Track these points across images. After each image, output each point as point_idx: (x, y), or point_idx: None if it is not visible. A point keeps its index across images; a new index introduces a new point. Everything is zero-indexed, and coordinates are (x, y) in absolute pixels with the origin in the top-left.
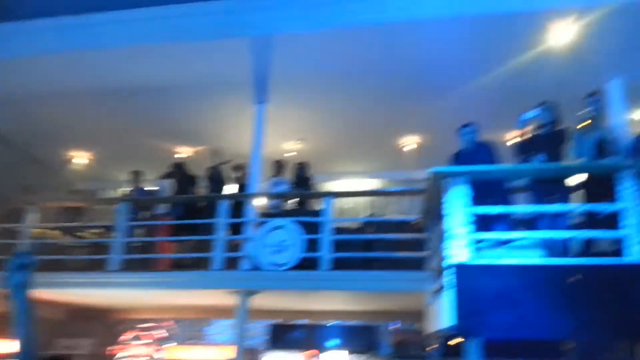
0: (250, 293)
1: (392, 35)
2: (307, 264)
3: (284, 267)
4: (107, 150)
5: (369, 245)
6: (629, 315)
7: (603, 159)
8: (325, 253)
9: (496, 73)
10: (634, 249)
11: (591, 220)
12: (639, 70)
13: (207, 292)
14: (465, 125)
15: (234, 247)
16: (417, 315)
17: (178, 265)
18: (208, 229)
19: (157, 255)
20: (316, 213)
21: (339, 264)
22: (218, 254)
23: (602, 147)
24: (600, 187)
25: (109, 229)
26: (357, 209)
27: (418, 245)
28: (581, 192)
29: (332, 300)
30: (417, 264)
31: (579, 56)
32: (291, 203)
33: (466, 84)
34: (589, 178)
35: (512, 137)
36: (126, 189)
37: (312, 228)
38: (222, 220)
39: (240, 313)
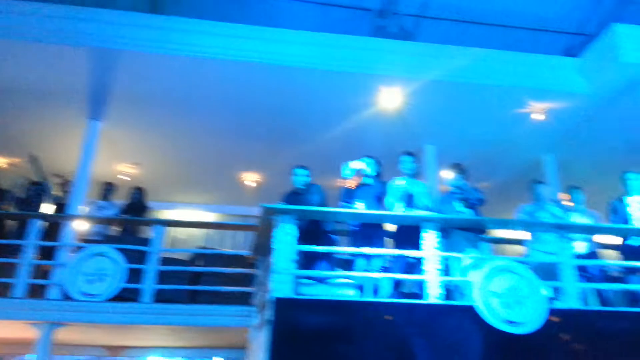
0: (55, 325)
1: (243, 73)
2: (128, 295)
3: (100, 298)
4: None
5: (197, 277)
6: (427, 353)
7: (412, 211)
8: (149, 284)
9: (336, 125)
10: (433, 291)
11: (404, 264)
12: (446, 139)
13: (4, 323)
14: (298, 167)
15: (42, 273)
16: (243, 350)
17: None
18: (14, 251)
19: None
20: (144, 241)
21: (165, 297)
22: (21, 280)
23: (413, 200)
24: (409, 234)
25: None
26: (191, 241)
27: (248, 280)
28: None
29: (154, 335)
30: (245, 299)
31: (405, 119)
32: (117, 229)
33: (310, 131)
34: (399, 226)
35: (340, 184)
36: None
37: (138, 257)
38: (30, 242)
39: (42, 348)
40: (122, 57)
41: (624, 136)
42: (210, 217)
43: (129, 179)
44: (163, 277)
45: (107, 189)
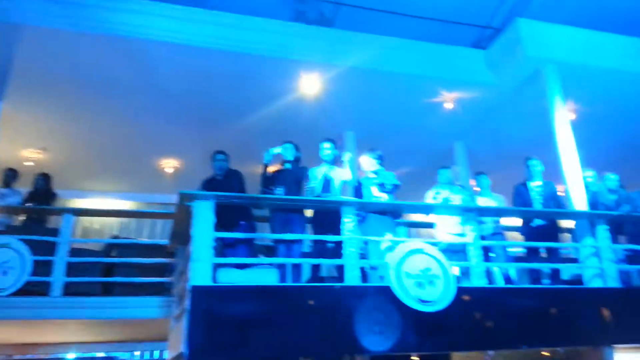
0: None
1: (159, 53)
2: (35, 289)
3: (4, 292)
4: None
5: (111, 269)
6: (346, 333)
7: (330, 196)
8: (58, 277)
9: (257, 110)
10: (352, 273)
11: (322, 248)
12: (365, 126)
13: None
14: (217, 152)
15: None
16: (164, 342)
17: None
18: None
19: None
20: (52, 231)
21: (76, 290)
22: None
23: (332, 186)
24: (328, 219)
25: None
26: (105, 230)
27: (168, 270)
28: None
29: (67, 331)
30: (166, 290)
31: (324, 106)
32: (21, 219)
33: (231, 116)
34: (316, 211)
35: (260, 170)
36: None
37: (46, 248)
38: None
39: None
40: (26, 32)
41: (527, 125)
42: (126, 205)
43: (33, 164)
44: (74, 269)
45: (9, 175)
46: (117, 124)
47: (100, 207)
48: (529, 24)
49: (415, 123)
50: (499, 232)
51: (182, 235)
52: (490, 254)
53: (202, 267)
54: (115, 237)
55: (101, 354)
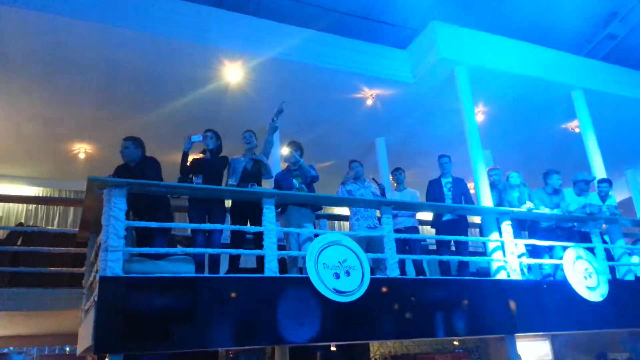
0: None
1: (80, 34)
2: None
3: None
4: None
5: (16, 258)
6: (265, 324)
7: (248, 185)
8: None
9: (179, 97)
10: (271, 264)
11: (240, 239)
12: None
13: None
14: (128, 138)
15: None
16: (74, 336)
17: None
18: None
19: None
20: None
21: None
22: None
23: (249, 174)
24: (247, 210)
25: None
26: (10, 218)
27: (77, 260)
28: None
29: None
30: (76, 281)
31: (248, 96)
32: None
33: (152, 103)
34: (235, 202)
35: (181, 158)
36: None
37: None
38: None
39: None
40: None
41: (442, 124)
42: (34, 191)
43: None
44: None
45: None
46: (27, 103)
47: (6, 193)
48: (444, 27)
49: (337, 117)
50: (414, 226)
51: (93, 224)
52: (406, 246)
53: (112, 257)
54: (21, 225)
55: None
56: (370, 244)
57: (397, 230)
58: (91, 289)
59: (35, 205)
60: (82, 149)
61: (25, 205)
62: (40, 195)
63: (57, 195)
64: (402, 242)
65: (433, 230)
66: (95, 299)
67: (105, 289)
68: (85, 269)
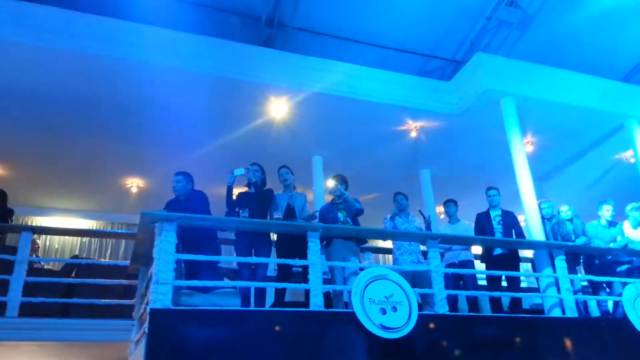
0: None
1: (128, 74)
2: None
3: None
4: None
5: (70, 290)
6: (312, 358)
7: (295, 220)
8: (14, 296)
9: (227, 134)
10: (316, 299)
11: (286, 273)
12: (333, 150)
13: None
14: (179, 173)
15: None
16: None
17: None
18: None
19: None
20: (9, 250)
21: (33, 310)
22: None
23: (292, 209)
24: (293, 244)
25: None
26: (65, 250)
27: (129, 292)
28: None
29: (22, 353)
30: (126, 313)
31: (293, 130)
32: None
33: (200, 139)
34: (280, 235)
35: (226, 192)
36: None
37: (2, 267)
38: None
39: None
40: None
41: (488, 155)
42: (89, 224)
43: None
44: (31, 288)
45: None
46: (81, 141)
47: (61, 226)
48: (488, 57)
49: (382, 150)
50: (469, 259)
51: (144, 257)
52: (460, 282)
53: (162, 290)
54: (75, 257)
55: None
56: (416, 279)
57: (451, 264)
58: (141, 320)
59: (88, 238)
60: (134, 183)
61: (79, 237)
62: (94, 228)
63: (109, 228)
64: (456, 277)
65: (483, 265)
66: (146, 330)
67: (155, 320)
68: (136, 300)
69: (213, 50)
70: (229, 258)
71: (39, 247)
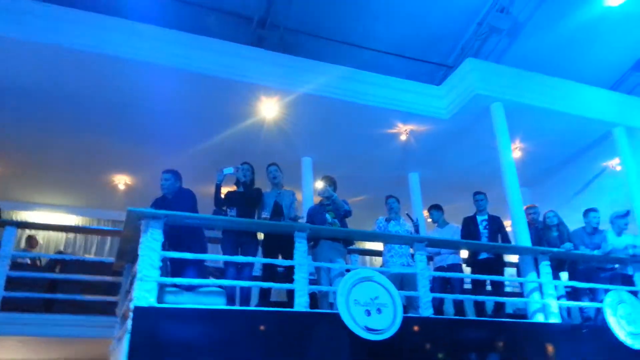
0: None
1: (117, 71)
2: None
3: None
4: None
5: (54, 285)
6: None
7: (281, 220)
8: None
9: (217, 133)
10: (301, 299)
11: (272, 272)
12: (323, 151)
13: None
14: (167, 171)
15: None
16: None
17: None
18: None
19: None
20: None
21: (16, 305)
22: None
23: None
24: (279, 243)
25: None
26: (50, 245)
27: (112, 289)
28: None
29: (5, 347)
30: (110, 309)
31: (283, 130)
32: None
33: (190, 137)
34: (267, 235)
35: (214, 191)
36: None
37: None
38: None
39: None
40: None
41: (477, 159)
42: (75, 220)
43: None
44: (15, 283)
45: None
46: (69, 136)
47: (47, 221)
48: (479, 63)
49: (371, 152)
50: (457, 263)
51: (129, 254)
52: (448, 285)
53: (146, 287)
54: (60, 253)
55: None
56: (404, 282)
57: (440, 268)
58: (124, 317)
59: (74, 234)
60: (122, 180)
61: (64, 233)
62: (80, 224)
63: (95, 225)
64: (444, 280)
65: (468, 269)
66: (129, 327)
67: (138, 318)
68: (120, 297)
69: (204, 48)
70: (214, 257)
71: (37, 243)
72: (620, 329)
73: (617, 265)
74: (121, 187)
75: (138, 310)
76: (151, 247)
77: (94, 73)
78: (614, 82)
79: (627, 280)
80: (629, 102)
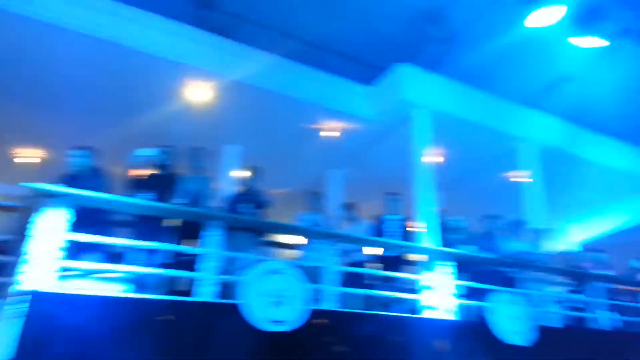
0: None
1: (40, 37)
2: None
3: None
4: None
5: None
6: (194, 351)
7: (196, 206)
8: None
9: (142, 111)
10: (207, 289)
11: (180, 260)
12: (248, 140)
13: None
14: (78, 147)
15: None
16: None
17: None
18: None
19: None
20: None
21: None
22: None
23: (199, 194)
24: (192, 230)
25: None
26: None
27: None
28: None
29: None
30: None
31: (209, 115)
32: None
33: (114, 113)
34: (182, 221)
35: (131, 173)
36: None
37: None
38: None
39: None
40: None
41: (398, 162)
42: None
43: None
44: None
45: None
46: None
47: None
48: (408, 69)
49: (296, 146)
50: (364, 260)
51: (22, 233)
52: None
53: (42, 270)
54: None
55: None
56: (317, 276)
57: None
58: (13, 300)
59: None
60: (30, 154)
61: None
62: None
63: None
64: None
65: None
66: (19, 311)
67: (31, 302)
68: (10, 279)
69: (136, 21)
70: (120, 241)
71: None
72: (502, 327)
73: (512, 270)
74: (29, 161)
75: (28, 294)
76: (49, 228)
77: (11, 37)
78: (533, 98)
79: (515, 283)
80: (539, 118)
